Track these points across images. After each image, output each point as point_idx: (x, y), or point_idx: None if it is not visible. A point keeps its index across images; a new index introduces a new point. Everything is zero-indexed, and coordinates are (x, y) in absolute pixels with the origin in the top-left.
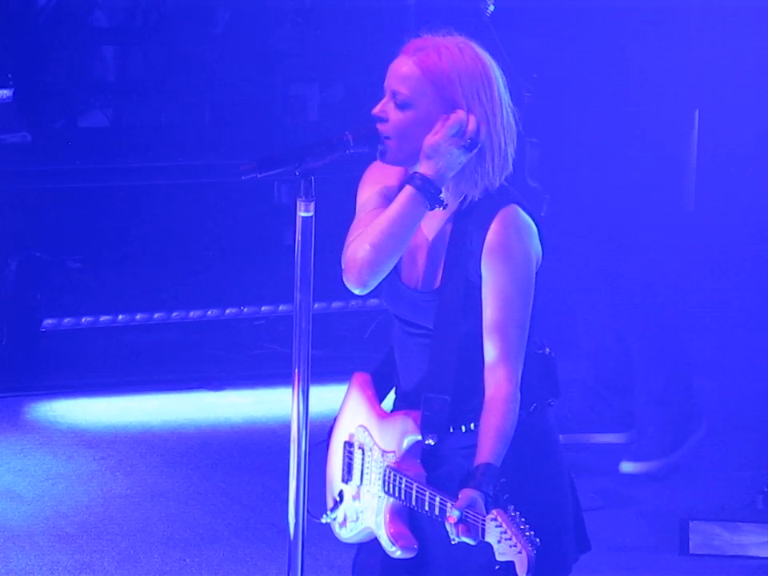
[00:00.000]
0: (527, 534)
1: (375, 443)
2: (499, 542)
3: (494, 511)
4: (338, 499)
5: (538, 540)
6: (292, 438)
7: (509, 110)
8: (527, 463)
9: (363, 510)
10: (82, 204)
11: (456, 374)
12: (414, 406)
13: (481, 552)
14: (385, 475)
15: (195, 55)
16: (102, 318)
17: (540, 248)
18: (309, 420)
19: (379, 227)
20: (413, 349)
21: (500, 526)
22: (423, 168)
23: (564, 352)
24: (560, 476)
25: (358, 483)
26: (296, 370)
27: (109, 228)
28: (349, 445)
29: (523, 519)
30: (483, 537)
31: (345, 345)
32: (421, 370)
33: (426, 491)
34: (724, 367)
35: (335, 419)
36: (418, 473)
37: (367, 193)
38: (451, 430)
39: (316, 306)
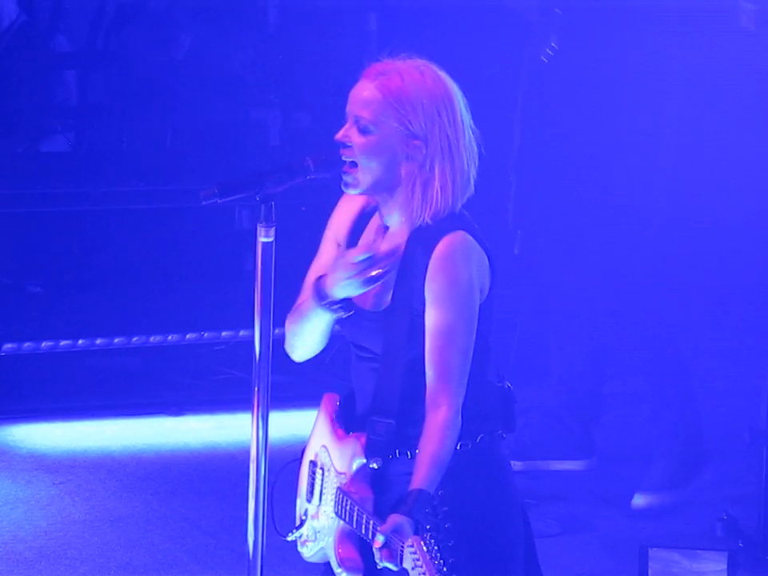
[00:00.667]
0: (436, 562)
1: (332, 464)
2: (413, 568)
3: (410, 539)
4: (303, 518)
5: (445, 569)
6: (251, 464)
7: (470, 131)
8: (473, 494)
9: (320, 530)
10: (42, 228)
11: (401, 399)
12: (365, 429)
13: None
14: (336, 496)
15: (157, 80)
16: (62, 343)
17: (488, 275)
18: (268, 445)
19: (294, 324)
20: (363, 373)
21: (414, 554)
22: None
23: (531, 378)
24: (510, 508)
25: (318, 503)
26: (256, 396)
27: (69, 252)
28: (313, 464)
29: (436, 548)
30: (401, 563)
31: (305, 370)
32: (370, 393)
33: (363, 514)
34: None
35: (308, 439)
36: (365, 495)
37: (327, 236)
38: (397, 454)
39: (276, 331)
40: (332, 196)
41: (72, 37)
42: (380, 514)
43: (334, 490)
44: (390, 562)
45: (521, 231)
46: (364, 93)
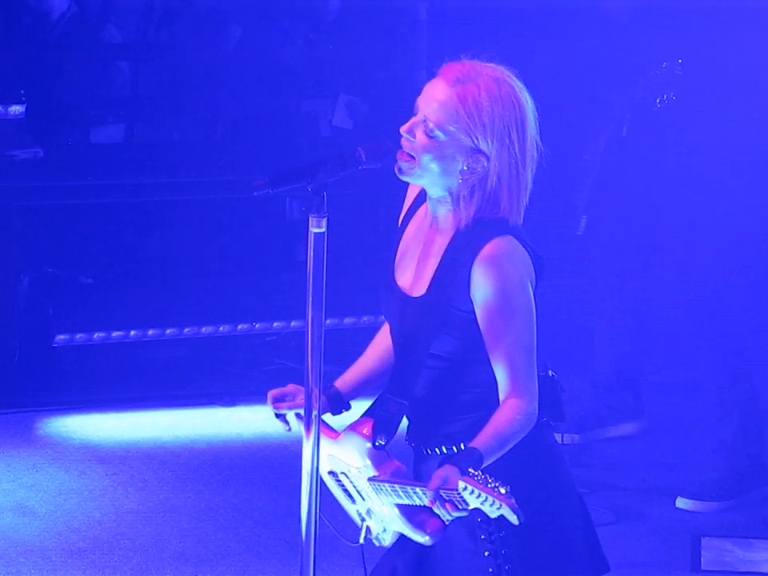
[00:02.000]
0: (497, 487)
1: (348, 465)
2: (483, 503)
3: (460, 482)
4: (359, 521)
5: (508, 487)
6: (304, 454)
7: (536, 148)
8: (522, 483)
9: (384, 520)
10: (94, 220)
11: (418, 386)
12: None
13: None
14: (374, 488)
15: (208, 71)
16: (115, 334)
17: (534, 277)
18: (320, 436)
19: None
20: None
21: (473, 492)
22: None
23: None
24: (562, 496)
25: (363, 502)
26: (308, 386)
27: (121, 244)
28: (333, 474)
29: (486, 475)
30: (468, 506)
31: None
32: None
33: (406, 486)
34: None
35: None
36: (395, 469)
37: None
38: (428, 452)
39: (328, 321)
40: (382, 186)
41: (122, 28)
42: (413, 481)
43: (367, 484)
44: (457, 511)
45: (586, 216)
46: (439, 95)
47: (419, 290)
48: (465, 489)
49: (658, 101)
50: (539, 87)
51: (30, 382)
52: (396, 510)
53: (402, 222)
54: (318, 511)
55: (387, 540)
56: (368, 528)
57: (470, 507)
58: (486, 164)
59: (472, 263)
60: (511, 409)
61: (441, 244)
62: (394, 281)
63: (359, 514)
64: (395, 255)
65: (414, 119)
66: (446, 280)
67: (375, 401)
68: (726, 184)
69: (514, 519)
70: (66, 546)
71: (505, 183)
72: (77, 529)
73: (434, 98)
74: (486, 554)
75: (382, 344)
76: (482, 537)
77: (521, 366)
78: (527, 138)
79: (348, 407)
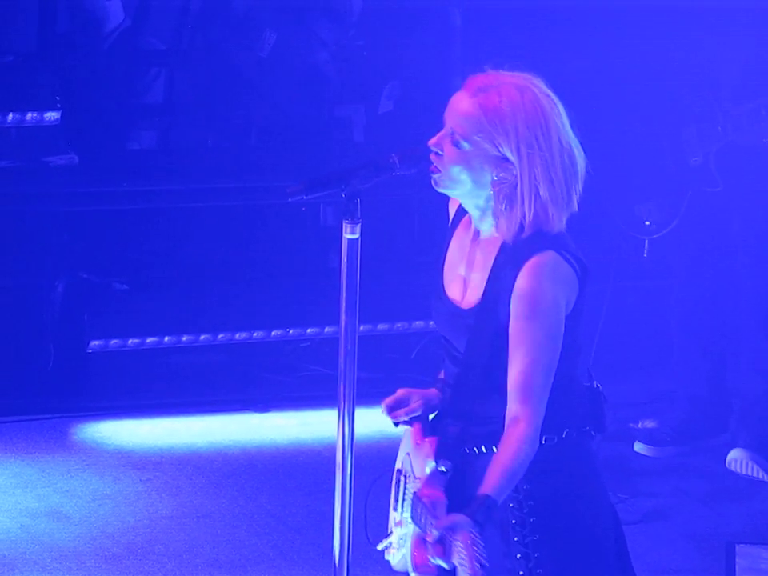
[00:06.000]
0: (479, 558)
1: (412, 470)
2: (460, 565)
3: (460, 534)
4: (393, 528)
5: (487, 564)
6: (337, 460)
7: (570, 150)
8: (559, 489)
9: (403, 537)
10: (128, 226)
11: (474, 403)
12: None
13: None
14: (413, 501)
15: (242, 77)
16: (149, 340)
17: (576, 290)
18: (354, 442)
19: None
20: (451, 373)
21: (460, 550)
22: None
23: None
24: (598, 504)
25: (401, 510)
26: (342, 392)
27: (155, 250)
28: (399, 472)
29: (482, 544)
30: (451, 558)
31: (390, 367)
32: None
33: (427, 513)
34: None
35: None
36: (435, 499)
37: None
38: (466, 450)
39: (361, 327)
40: (416, 192)
41: (157, 34)
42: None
43: (412, 496)
44: (441, 558)
45: (647, 239)
46: (461, 106)
47: (469, 302)
48: (459, 542)
49: None
50: (567, 89)
51: (65, 388)
52: (412, 535)
53: (450, 226)
54: (351, 518)
55: (394, 561)
56: (389, 542)
57: (452, 559)
58: (515, 171)
59: (515, 278)
60: (516, 440)
61: (486, 257)
62: (444, 291)
63: (395, 522)
64: (443, 264)
65: (441, 133)
66: (495, 293)
67: (436, 420)
68: None
69: None
70: (101, 551)
71: (541, 189)
72: (111, 534)
73: (456, 109)
74: (518, 556)
75: None
76: (515, 539)
77: (534, 386)
78: (553, 141)
79: None
